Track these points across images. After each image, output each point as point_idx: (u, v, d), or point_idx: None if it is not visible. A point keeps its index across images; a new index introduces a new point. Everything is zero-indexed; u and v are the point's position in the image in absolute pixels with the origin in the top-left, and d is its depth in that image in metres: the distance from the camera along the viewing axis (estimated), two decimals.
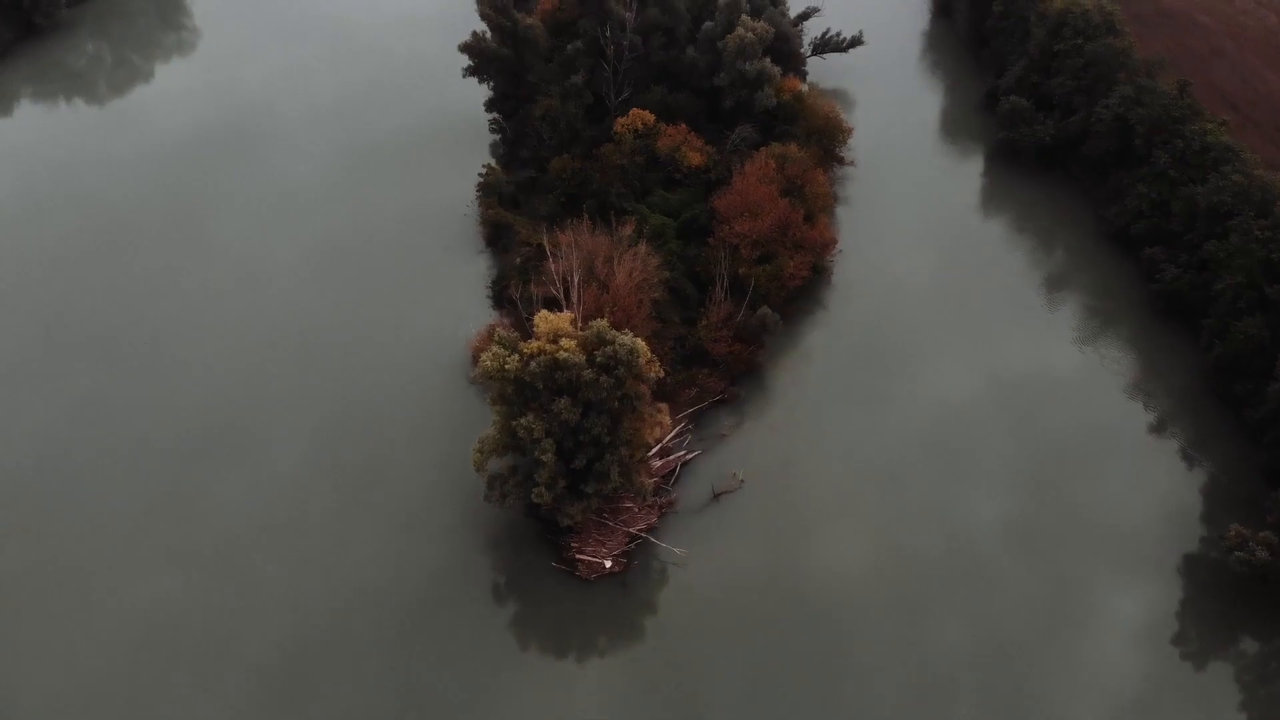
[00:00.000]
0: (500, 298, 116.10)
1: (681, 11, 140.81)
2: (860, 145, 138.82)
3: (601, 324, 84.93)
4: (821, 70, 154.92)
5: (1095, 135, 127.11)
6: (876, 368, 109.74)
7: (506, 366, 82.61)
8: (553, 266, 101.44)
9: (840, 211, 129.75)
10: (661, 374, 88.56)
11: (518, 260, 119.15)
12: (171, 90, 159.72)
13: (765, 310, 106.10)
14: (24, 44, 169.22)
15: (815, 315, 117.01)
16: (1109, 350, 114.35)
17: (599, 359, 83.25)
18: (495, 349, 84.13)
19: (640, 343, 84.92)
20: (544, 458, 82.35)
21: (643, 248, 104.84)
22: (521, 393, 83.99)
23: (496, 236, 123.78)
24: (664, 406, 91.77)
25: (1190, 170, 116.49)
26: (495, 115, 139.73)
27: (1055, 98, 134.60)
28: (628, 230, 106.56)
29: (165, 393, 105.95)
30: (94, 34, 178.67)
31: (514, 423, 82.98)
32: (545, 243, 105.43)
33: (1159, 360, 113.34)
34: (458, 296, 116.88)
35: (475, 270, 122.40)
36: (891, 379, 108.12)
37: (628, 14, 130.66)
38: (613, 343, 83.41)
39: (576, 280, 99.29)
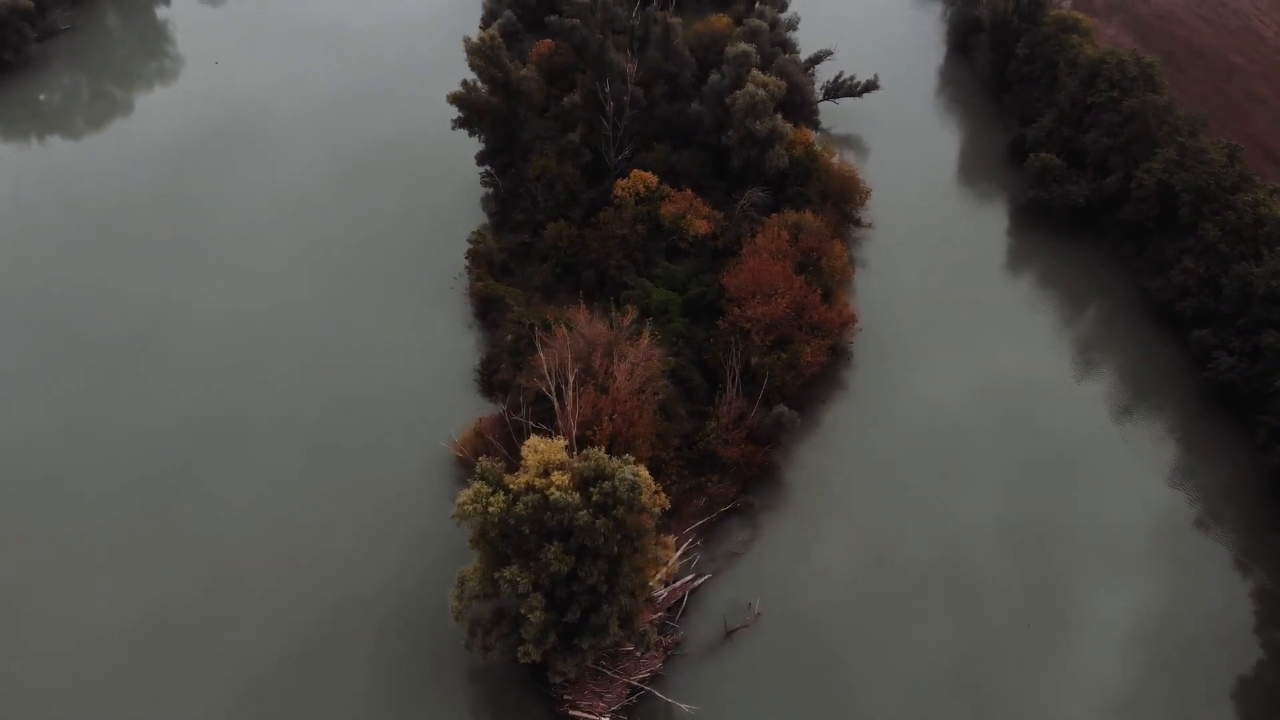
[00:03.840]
0: (489, 382, 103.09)
1: (686, 57, 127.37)
2: (877, 197, 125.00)
3: (599, 455, 71.89)
4: (834, 115, 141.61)
5: (1134, 199, 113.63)
6: (905, 461, 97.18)
7: (490, 508, 69.49)
8: (544, 361, 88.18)
9: (859, 277, 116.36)
10: (667, 505, 75.64)
11: (509, 338, 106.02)
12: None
13: (782, 409, 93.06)
14: None
15: (835, 400, 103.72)
16: (1149, 433, 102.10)
17: (596, 496, 70.11)
18: (476, 485, 71.01)
19: (643, 473, 71.88)
20: (531, 616, 69.25)
21: (645, 340, 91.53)
22: (507, 536, 70.81)
23: (486, 309, 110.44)
24: (669, 540, 78.74)
25: (1243, 244, 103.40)
26: (487, 168, 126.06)
27: (1088, 154, 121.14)
28: (628, 320, 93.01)
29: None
30: (70, 66, 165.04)
31: (496, 574, 69.83)
32: (538, 337, 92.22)
33: (1206, 453, 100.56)
34: (442, 381, 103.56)
35: (464, 345, 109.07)
36: (920, 472, 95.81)
37: (629, 64, 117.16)
38: (612, 477, 70.24)
39: (571, 380, 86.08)
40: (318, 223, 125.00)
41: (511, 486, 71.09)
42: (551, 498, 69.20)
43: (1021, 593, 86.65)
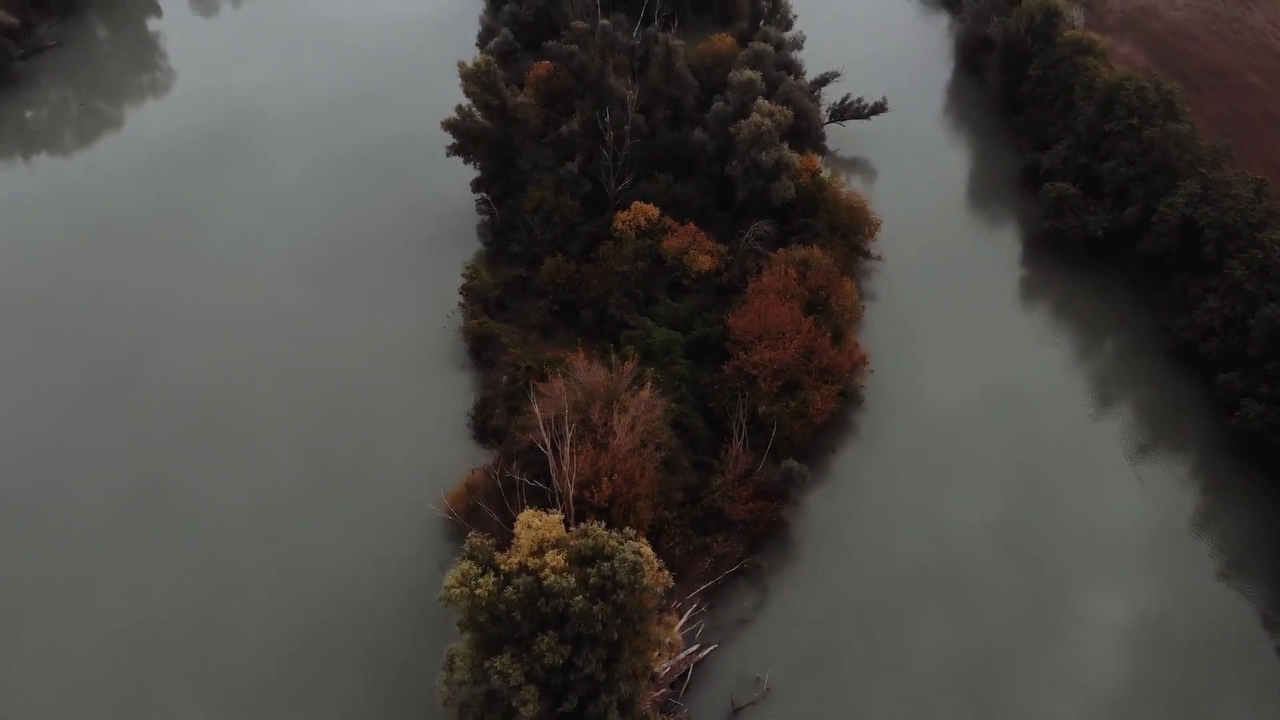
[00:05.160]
0: (483, 428, 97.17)
1: (689, 80, 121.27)
2: (885, 224, 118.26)
3: (597, 531, 65.97)
4: (840, 137, 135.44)
5: (1155, 233, 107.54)
6: (920, 512, 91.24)
7: (478, 592, 63.55)
8: (539, 414, 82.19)
9: (868, 313, 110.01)
10: (670, 583, 69.54)
11: (504, 379, 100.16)
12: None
13: (791, 464, 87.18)
14: None
15: (846, 446, 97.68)
16: (1170, 476, 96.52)
17: (594, 579, 64.20)
18: (464, 566, 65.09)
19: (645, 550, 66.12)
20: (524, 710, 63.35)
21: (646, 391, 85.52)
22: (498, 619, 64.90)
23: (481, 348, 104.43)
24: (672, 620, 72.83)
25: (1271, 284, 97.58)
26: (483, 196, 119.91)
27: (1106, 183, 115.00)
28: (629, 369, 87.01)
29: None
30: (57, 82, 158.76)
31: (486, 663, 63.93)
32: (533, 386, 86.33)
33: (1231, 502, 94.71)
34: (433, 428, 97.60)
35: (456, 386, 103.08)
36: (934, 522, 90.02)
37: (629, 91, 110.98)
38: (612, 557, 64.33)
39: (568, 437, 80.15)
40: (313, 226, 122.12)
41: (503, 566, 65.25)
42: (546, 581, 63.30)
43: (1043, 657, 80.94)
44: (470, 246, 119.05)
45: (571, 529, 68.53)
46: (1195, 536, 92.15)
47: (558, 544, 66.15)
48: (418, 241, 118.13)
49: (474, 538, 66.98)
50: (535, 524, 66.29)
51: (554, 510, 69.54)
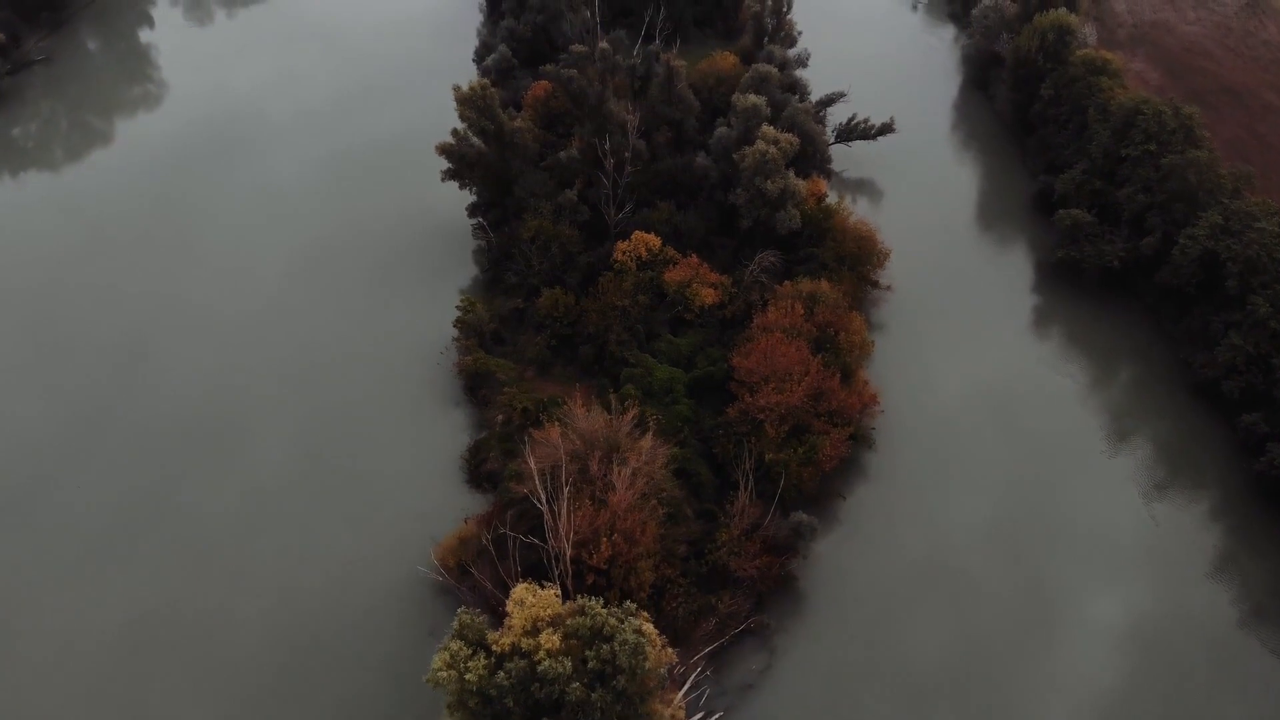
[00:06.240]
0: (476, 472, 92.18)
1: (691, 101, 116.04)
2: (892, 247, 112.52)
3: (595, 609, 61.06)
4: (846, 157, 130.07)
5: (1174, 264, 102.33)
6: (935, 558, 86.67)
7: (467, 676, 58.57)
8: (533, 466, 77.12)
9: (877, 346, 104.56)
10: (674, 659, 64.66)
11: (499, 418, 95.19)
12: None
13: (800, 517, 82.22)
14: None
15: (856, 491, 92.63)
16: (1188, 517, 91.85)
17: (592, 663, 59.24)
18: (453, 646, 60.18)
19: (647, 628, 61.21)
20: None
21: (648, 441, 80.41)
22: (489, 702, 59.92)
23: (476, 384, 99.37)
24: (675, 698, 67.72)
25: None
26: (479, 221, 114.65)
27: (1123, 211, 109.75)
28: (630, 417, 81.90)
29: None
30: (47, 95, 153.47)
31: None
32: (528, 435, 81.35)
33: (1254, 547, 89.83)
34: (427, 473, 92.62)
35: (451, 425, 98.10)
36: (951, 569, 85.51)
37: (630, 116, 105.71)
38: (611, 639, 59.34)
39: (566, 493, 75.10)
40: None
41: (494, 647, 60.24)
42: (540, 666, 58.31)
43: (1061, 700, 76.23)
44: (465, 260, 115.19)
45: (568, 602, 63.49)
46: (1213, 580, 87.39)
47: (553, 622, 61.12)
48: (414, 255, 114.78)
49: (464, 614, 62.12)
50: (529, 601, 61.28)
51: (549, 584, 64.35)
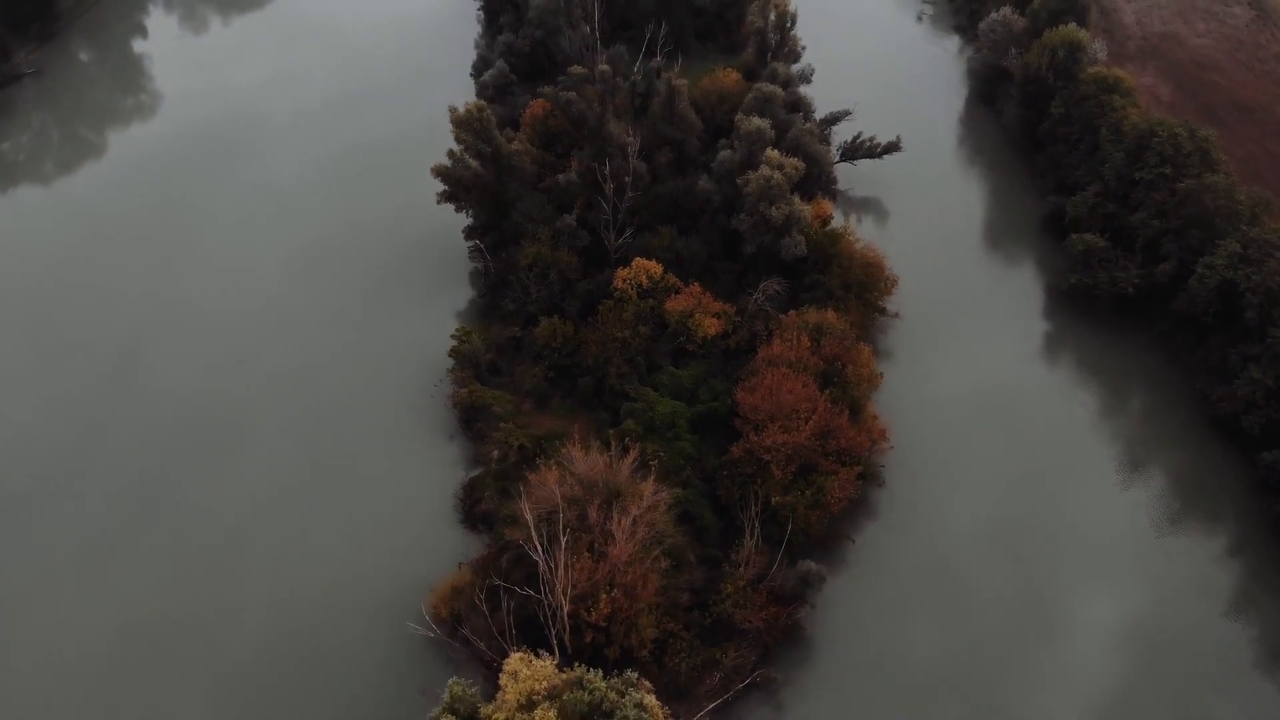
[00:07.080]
0: (471, 512, 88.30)
1: (693, 120, 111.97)
2: (899, 270, 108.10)
3: (594, 681, 57.16)
4: (851, 175, 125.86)
5: (1191, 293, 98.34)
6: (942, 601, 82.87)
7: None
8: (529, 515, 73.11)
9: (885, 375, 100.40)
10: None
11: (494, 453, 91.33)
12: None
13: (808, 565, 78.28)
14: None
15: (865, 533, 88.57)
16: (1204, 552, 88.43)
17: None
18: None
19: (650, 703, 57.60)
20: None
21: (649, 486, 76.45)
22: None
23: (471, 417, 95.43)
24: None
25: None
26: (476, 244, 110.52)
27: (1137, 235, 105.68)
28: (630, 461, 77.95)
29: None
30: (38, 108, 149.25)
31: None
32: (524, 479, 77.44)
33: (1273, 581, 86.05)
34: (420, 511, 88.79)
35: (444, 458, 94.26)
36: (967, 611, 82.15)
37: (630, 138, 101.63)
38: (611, 715, 55.45)
39: (564, 542, 71.17)
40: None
41: None
42: None
43: None
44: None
45: (566, 671, 59.60)
46: (1230, 619, 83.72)
47: (550, 695, 57.22)
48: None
49: (455, 685, 58.34)
50: (523, 673, 57.39)
51: (545, 654, 60.41)
